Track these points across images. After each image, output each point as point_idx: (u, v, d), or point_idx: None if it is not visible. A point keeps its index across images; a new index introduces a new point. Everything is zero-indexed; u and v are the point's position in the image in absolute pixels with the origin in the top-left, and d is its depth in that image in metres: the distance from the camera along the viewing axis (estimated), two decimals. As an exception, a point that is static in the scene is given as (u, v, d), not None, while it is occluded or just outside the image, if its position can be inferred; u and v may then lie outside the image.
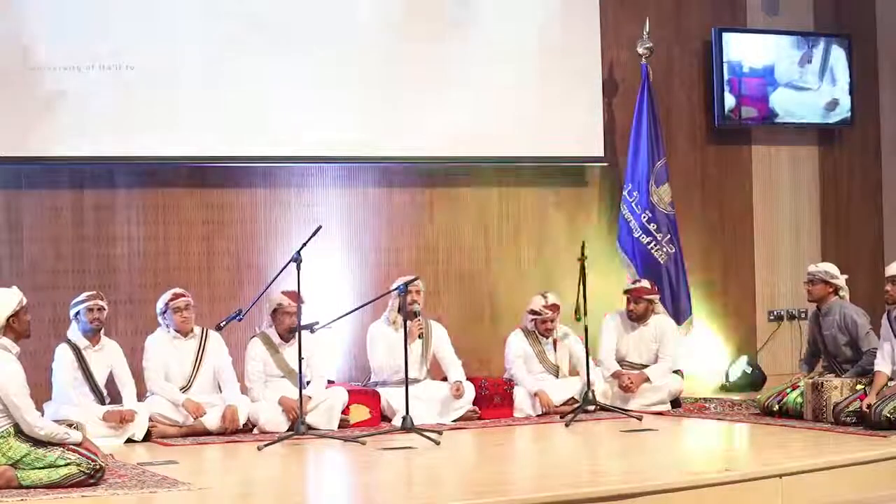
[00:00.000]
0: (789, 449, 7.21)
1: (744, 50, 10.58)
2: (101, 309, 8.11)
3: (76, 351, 8.05)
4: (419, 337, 8.70)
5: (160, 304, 8.36)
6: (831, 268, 8.57)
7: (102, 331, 8.21)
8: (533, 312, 9.10)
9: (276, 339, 8.51)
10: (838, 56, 10.81)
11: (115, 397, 8.16)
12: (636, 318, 9.21)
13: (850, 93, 10.87)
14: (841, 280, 8.55)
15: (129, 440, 7.90)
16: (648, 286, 9.26)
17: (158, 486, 6.15)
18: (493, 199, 10.03)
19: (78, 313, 8.11)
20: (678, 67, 10.61)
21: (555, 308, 9.08)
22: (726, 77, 10.49)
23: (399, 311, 8.67)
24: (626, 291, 9.29)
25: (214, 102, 9.02)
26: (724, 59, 10.48)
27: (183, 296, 8.35)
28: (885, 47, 11.14)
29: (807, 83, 10.76)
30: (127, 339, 8.58)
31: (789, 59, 10.69)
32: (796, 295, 10.70)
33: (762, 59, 10.63)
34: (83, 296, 8.14)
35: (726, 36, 10.53)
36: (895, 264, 8.07)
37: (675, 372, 9.30)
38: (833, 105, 10.81)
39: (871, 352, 8.26)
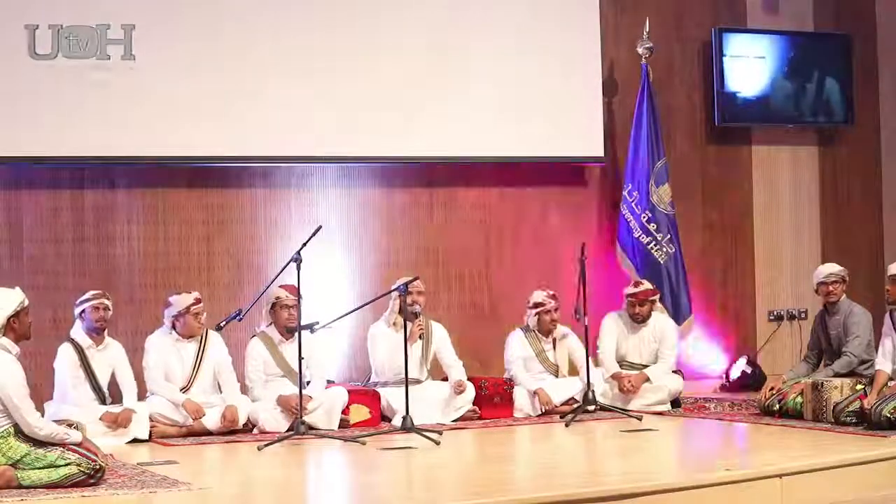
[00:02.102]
0: (789, 449, 7.21)
1: (744, 50, 10.59)
2: (105, 308, 8.12)
3: (79, 350, 8.06)
4: (419, 338, 8.69)
5: (179, 307, 8.24)
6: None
7: (106, 331, 8.21)
8: (537, 305, 9.09)
9: (276, 338, 8.51)
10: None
11: (117, 398, 8.16)
12: (641, 320, 9.21)
13: (850, 96, 10.88)
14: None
15: (135, 440, 7.90)
16: (651, 287, 9.27)
17: (158, 486, 6.15)
18: (493, 199, 10.03)
19: (83, 311, 8.12)
20: (678, 67, 10.61)
21: (556, 298, 9.09)
22: (726, 77, 10.50)
23: (399, 312, 8.67)
24: (630, 295, 9.27)
25: (215, 102, 9.02)
26: (724, 59, 10.48)
27: (201, 301, 8.35)
28: (885, 47, 11.15)
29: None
30: (127, 339, 8.57)
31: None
32: (796, 295, 10.72)
33: (762, 58, 10.64)
34: (89, 294, 8.14)
35: (726, 36, 10.53)
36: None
37: (675, 372, 9.31)
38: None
39: (847, 354, 8.42)
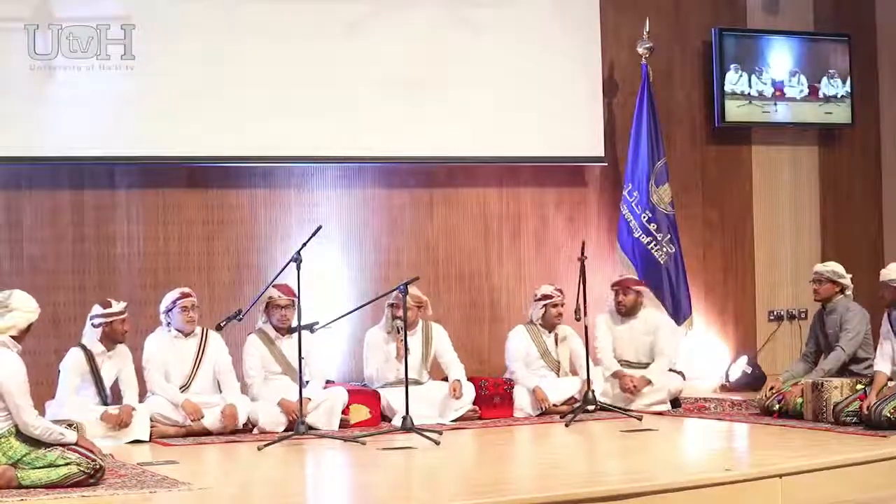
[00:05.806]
0: (789, 449, 7.21)
1: (743, 50, 10.60)
2: (122, 321, 8.06)
3: (88, 357, 7.98)
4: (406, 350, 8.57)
5: (166, 302, 8.33)
6: (838, 267, 8.65)
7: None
8: (545, 297, 9.09)
9: (273, 334, 8.52)
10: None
11: (119, 399, 8.10)
12: (626, 311, 9.21)
13: (851, 96, 10.88)
14: (847, 279, 8.62)
15: (137, 441, 7.88)
16: (635, 276, 9.30)
17: (158, 486, 6.15)
18: (493, 199, 10.03)
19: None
20: (678, 67, 10.60)
21: (562, 293, 9.10)
22: (726, 77, 10.50)
23: (395, 318, 8.64)
24: (613, 284, 9.31)
25: (214, 102, 9.02)
26: (724, 59, 10.49)
27: (190, 295, 8.34)
28: (885, 47, 11.15)
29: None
30: (127, 338, 8.56)
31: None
32: (796, 295, 10.71)
33: (762, 58, 10.65)
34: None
35: (726, 36, 10.53)
36: (890, 267, 8.10)
37: (676, 372, 9.31)
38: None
39: (837, 348, 8.42)
